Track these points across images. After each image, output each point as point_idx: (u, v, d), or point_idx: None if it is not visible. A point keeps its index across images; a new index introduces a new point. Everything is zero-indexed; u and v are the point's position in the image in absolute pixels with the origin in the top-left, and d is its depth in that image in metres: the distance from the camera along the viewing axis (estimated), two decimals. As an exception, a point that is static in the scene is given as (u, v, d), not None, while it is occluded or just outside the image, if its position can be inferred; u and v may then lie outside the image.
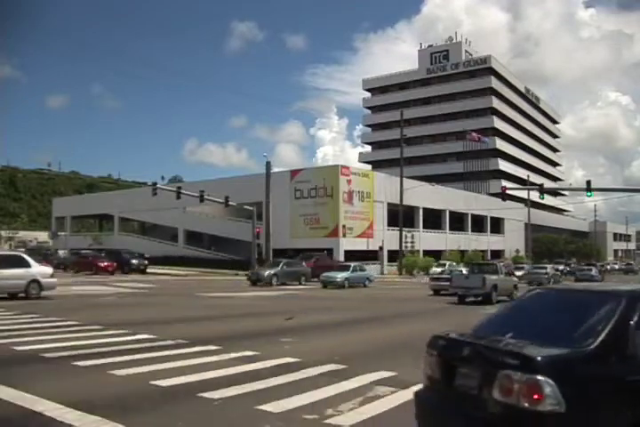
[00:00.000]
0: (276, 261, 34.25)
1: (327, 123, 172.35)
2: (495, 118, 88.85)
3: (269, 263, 33.92)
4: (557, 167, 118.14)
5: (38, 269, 18.55)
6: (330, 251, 45.16)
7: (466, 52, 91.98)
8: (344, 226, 45.62)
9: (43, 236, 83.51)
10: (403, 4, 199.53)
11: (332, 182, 45.77)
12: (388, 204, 49.86)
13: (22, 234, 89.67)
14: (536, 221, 71.54)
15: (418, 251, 52.48)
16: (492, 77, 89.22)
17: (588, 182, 29.44)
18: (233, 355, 8.62)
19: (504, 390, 3.38)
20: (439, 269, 37.89)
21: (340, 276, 30.32)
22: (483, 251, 64.43)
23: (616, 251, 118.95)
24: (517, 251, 66.49)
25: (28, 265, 18.11)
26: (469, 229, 64.25)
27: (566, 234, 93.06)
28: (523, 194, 63.37)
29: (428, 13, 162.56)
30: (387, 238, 48.72)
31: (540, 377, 3.27)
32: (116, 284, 27.59)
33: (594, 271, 41.04)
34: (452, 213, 60.29)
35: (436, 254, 53.77)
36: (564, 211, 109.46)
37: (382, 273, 46.59)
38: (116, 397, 5.94)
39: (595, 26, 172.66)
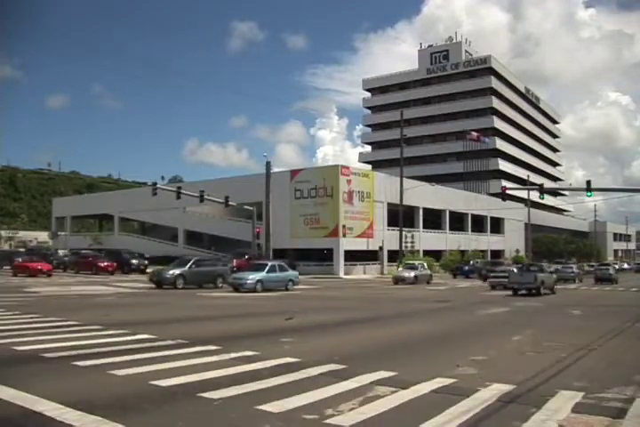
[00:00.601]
0: (185, 259, 28.82)
1: (327, 123, 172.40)
2: (495, 118, 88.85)
3: (177, 262, 28.26)
4: (557, 167, 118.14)
5: None
6: (330, 251, 45.21)
7: (466, 52, 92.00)
8: (344, 226, 45.61)
9: (43, 236, 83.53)
10: (403, 4, 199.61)
11: (332, 182, 45.77)
12: (388, 204, 49.86)
13: (22, 234, 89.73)
14: (536, 221, 71.56)
15: (418, 251, 52.48)
16: (492, 77, 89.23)
17: (588, 182, 29.42)
18: (233, 355, 8.62)
19: None
20: (406, 273, 35.55)
21: (250, 277, 24.97)
22: (483, 251, 64.46)
23: (616, 251, 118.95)
24: (517, 251, 66.48)
25: None
26: (469, 229, 64.24)
27: (566, 234, 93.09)
28: (523, 194, 63.38)
29: (428, 13, 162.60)
30: (387, 238, 48.72)
31: None
32: (116, 284, 27.60)
33: (611, 270, 43.92)
34: (452, 213, 60.29)
35: (436, 254, 53.82)
36: (564, 211, 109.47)
37: (382, 273, 46.60)
38: (116, 397, 5.94)
39: (595, 26, 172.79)
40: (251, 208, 42.67)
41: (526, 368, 7.93)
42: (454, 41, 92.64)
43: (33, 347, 8.85)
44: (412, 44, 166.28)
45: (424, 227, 56.03)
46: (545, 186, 39.49)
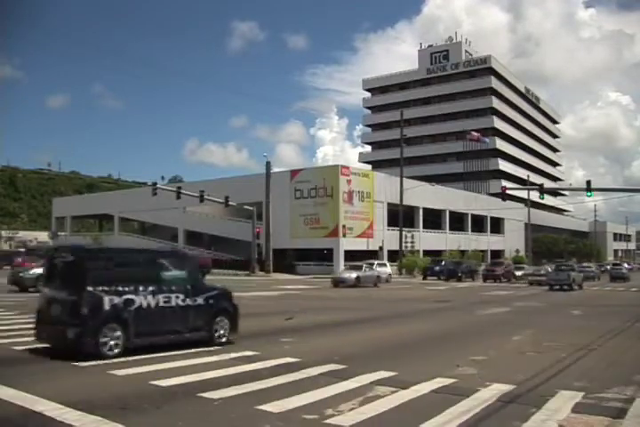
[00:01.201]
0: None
1: (327, 123, 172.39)
2: (495, 118, 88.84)
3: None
4: (557, 167, 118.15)
5: None
6: (330, 251, 45.21)
7: (466, 52, 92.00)
8: (344, 226, 45.60)
9: (43, 236, 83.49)
10: (403, 4, 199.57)
11: (331, 182, 45.77)
12: (388, 204, 49.85)
13: (22, 234, 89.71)
14: (536, 221, 71.56)
15: (418, 251, 52.47)
16: (492, 77, 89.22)
17: (588, 182, 29.41)
18: (233, 355, 8.62)
19: None
20: (347, 274, 32.17)
21: None
22: (482, 251, 64.46)
23: (616, 251, 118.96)
24: (517, 251, 66.49)
25: None
26: (469, 229, 64.24)
27: (566, 234, 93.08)
28: (523, 194, 63.40)
29: (428, 13, 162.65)
30: (387, 238, 48.72)
31: None
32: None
33: (624, 269, 47.64)
34: (452, 213, 60.29)
35: (436, 254, 53.77)
36: (564, 211, 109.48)
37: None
38: (116, 397, 5.94)
39: (595, 26, 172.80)
40: (251, 208, 42.69)
41: (526, 368, 7.93)
42: (454, 41, 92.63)
43: (33, 347, 8.84)
44: (412, 44, 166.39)
45: (424, 227, 56.03)
46: (545, 186, 39.50)
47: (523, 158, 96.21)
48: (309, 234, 46.05)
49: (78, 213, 71.34)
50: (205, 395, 6.05)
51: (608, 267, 56.84)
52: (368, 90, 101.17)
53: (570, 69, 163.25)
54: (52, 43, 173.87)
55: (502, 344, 10.59)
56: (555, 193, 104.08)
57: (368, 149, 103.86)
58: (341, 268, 43.99)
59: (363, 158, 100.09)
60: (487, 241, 67.87)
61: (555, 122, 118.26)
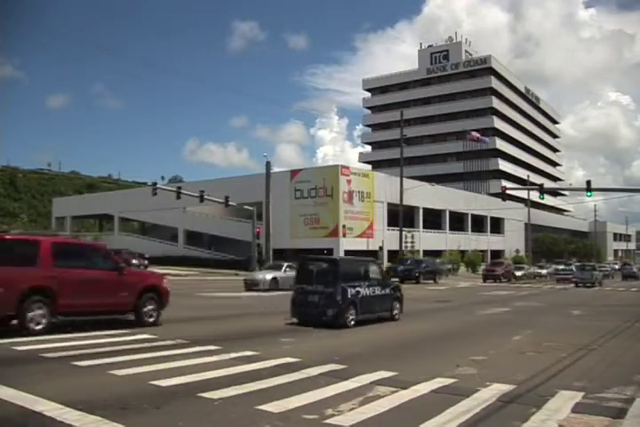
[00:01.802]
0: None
1: (327, 123, 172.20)
2: (495, 118, 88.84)
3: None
4: (557, 167, 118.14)
5: None
6: (330, 251, 45.19)
7: (466, 52, 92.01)
8: (344, 226, 45.59)
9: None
10: (403, 3, 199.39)
11: (331, 182, 45.77)
12: (388, 204, 49.85)
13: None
14: (536, 221, 71.57)
15: (418, 251, 52.46)
16: (492, 77, 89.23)
17: (588, 182, 29.41)
18: (233, 355, 8.62)
19: None
20: (261, 275, 28.00)
21: None
22: (483, 251, 64.45)
23: (616, 251, 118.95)
24: (517, 251, 66.49)
25: None
26: (469, 229, 64.23)
27: (566, 234, 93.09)
28: (523, 194, 63.40)
29: (428, 13, 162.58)
30: (387, 238, 48.71)
31: None
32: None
33: (634, 268, 52.93)
34: (452, 213, 60.28)
35: (436, 254, 53.76)
36: (564, 211, 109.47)
37: (382, 273, 46.54)
38: (116, 397, 5.94)
39: (596, 26, 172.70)
40: (251, 208, 42.68)
41: (526, 368, 7.93)
42: (454, 41, 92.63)
43: (33, 347, 8.84)
44: (412, 44, 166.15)
45: (424, 227, 56.02)
46: (545, 186, 39.51)
47: (523, 158, 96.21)
48: (309, 234, 46.05)
49: (78, 213, 71.35)
50: (205, 395, 6.05)
51: (616, 266, 63.80)
52: (368, 90, 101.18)
53: (570, 69, 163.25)
54: (52, 43, 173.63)
55: (502, 344, 10.60)
56: (555, 193, 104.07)
57: (368, 149, 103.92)
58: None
59: (363, 158, 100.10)
60: (487, 241, 67.86)
61: (555, 122, 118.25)
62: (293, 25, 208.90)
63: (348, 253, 45.07)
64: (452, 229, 60.79)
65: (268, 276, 26.56)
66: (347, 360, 8.31)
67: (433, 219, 57.83)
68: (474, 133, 76.88)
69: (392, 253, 48.67)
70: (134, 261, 40.64)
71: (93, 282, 11.12)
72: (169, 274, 40.37)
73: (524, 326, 13.50)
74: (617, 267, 66.09)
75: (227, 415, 5.38)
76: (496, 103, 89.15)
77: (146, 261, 41.54)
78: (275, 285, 25.74)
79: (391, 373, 7.41)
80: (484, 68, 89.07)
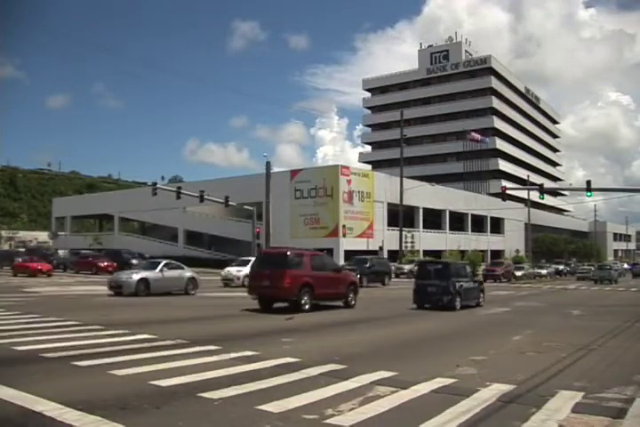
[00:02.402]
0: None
1: (327, 123, 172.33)
2: (495, 118, 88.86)
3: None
4: (557, 167, 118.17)
5: None
6: (330, 251, 45.17)
7: (466, 52, 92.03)
8: (344, 226, 45.61)
9: (43, 236, 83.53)
10: (403, 4, 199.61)
11: (331, 182, 45.78)
12: (388, 204, 49.86)
13: (22, 234, 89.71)
14: (536, 221, 71.56)
15: (418, 251, 52.48)
16: (492, 77, 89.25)
17: (588, 182, 29.39)
18: (233, 355, 8.62)
19: None
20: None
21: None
22: (482, 251, 64.45)
23: (616, 251, 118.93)
24: (517, 251, 66.48)
25: None
26: (469, 229, 64.24)
27: (566, 234, 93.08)
28: (523, 194, 63.39)
29: (428, 13, 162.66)
30: (387, 238, 48.73)
31: None
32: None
33: None
34: (452, 213, 60.29)
35: (436, 254, 53.75)
36: (564, 211, 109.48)
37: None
38: (116, 397, 5.93)
39: (596, 26, 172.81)
40: (251, 208, 42.68)
41: (526, 368, 7.93)
42: (454, 41, 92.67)
43: (33, 347, 8.84)
44: (412, 44, 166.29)
45: (424, 227, 56.03)
46: (545, 186, 39.50)
47: (523, 158, 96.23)
48: (309, 234, 46.06)
49: (78, 213, 71.35)
50: (205, 395, 6.05)
51: (625, 266, 70.24)
52: (368, 90, 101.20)
53: (570, 69, 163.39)
54: (52, 43, 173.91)
55: (502, 344, 10.60)
56: (555, 193, 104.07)
57: (368, 149, 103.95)
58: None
59: (363, 158, 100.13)
60: (487, 241, 67.86)
61: (555, 122, 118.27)
62: (294, 25, 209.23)
63: (347, 253, 45.11)
64: (452, 229, 60.80)
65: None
66: (347, 360, 8.31)
67: (433, 219, 57.84)
68: (474, 133, 76.88)
69: (392, 253, 48.68)
70: (134, 262, 40.67)
71: (328, 279, 17.24)
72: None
73: (524, 326, 13.50)
74: (627, 266, 71.30)
75: (227, 415, 5.38)
76: (496, 103, 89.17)
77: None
78: (144, 288, 20.59)
79: (391, 373, 7.41)
80: (483, 68, 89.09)
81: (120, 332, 10.93)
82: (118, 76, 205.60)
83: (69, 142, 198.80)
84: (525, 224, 66.87)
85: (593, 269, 47.80)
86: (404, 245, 48.08)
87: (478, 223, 66.62)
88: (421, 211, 55.31)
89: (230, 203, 41.20)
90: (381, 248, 48.18)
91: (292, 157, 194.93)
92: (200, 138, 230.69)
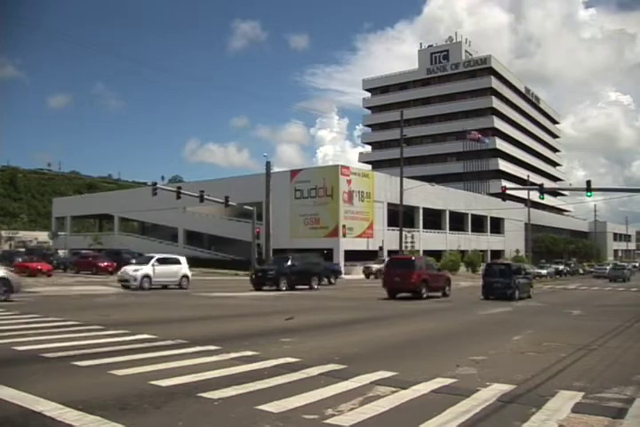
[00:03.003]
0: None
1: (327, 123, 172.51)
2: (495, 118, 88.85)
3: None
4: (558, 167, 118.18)
5: None
6: (330, 251, 45.18)
7: (466, 52, 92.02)
8: (344, 226, 45.61)
9: (43, 236, 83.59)
10: (403, 4, 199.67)
11: (332, 182, 45.78)
12: (388, 204, 49.86)
13: (22, 234, 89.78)
14: (536, 221, 71.59)
15: (418, 251, 52.46)
16: (492, 77, 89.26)
17: (588, 182, 29.39)
18: (233, 355, 8.61)
19: None
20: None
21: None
22: (483, 251, 64.48)
23: (616, 251, 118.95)
24: (517, 251, 66.50)
25: None
26: (469, 229, 64.24)
27: (566, 234, 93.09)
28: (523, 194, 63.41)
29: (429, 13, 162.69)
30: (387, 238, 48.73)
31: None
32: (116, 284, 27.58)
33: None
34: (452, 213, 60.29)
35: (436, 254, 53.76)
36: (564, 211, 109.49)
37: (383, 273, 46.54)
38: (116, 397, 5.93)
39: (597, 26, 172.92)
40: (251, 208, 42.68)
41: (526, 368, 7.93)
42: (454, 41, 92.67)
43: (33, 347, 8.84)
44: (412, 44, 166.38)
45: (424, 227, 56.04)
46: (545, 186, 39.50)
47: (523, 158, 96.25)
48: (309, 234, 46.06)
49: (78, 213, 71.36)
50: (205, 395, 6.05)
51: (637, 264, 76.05)
52: (368, 90, 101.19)
53: (571, 69, 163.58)
54: (52, 43, 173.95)
55: (502, 344, 10.59)
56: (555, 193, 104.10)
57: (368, 148, 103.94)
58: (341, 268, 43.21)
59: (363, 158, 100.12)
60: (487, 241, 67.87)
61: (555, 122, 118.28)
62: (294, 25, 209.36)
63: (348, 253, 45.13)
64: (452, 229, 60.80)
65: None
66: (347, 360, 8.31)
67: (433, 219, 57.85)
68: (474, 133, 76.88)
69: (392, 254, 48.68)
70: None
71: (434, 276, 24.26)
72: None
73: (524, 326, 13.50)
74: (637, 265, 76.78)
75: (227, 415, 5.38)
76: (496, 103, 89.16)
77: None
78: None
79: (391, 373, 7.40)
80: (483, 68, 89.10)
81: (120, 332, 10.93)
82: (118, 76, 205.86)
83: (69, 142, 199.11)
84: (525, 224, 66.88)
85: (608, 269, 53.61)
86: (403, 245, 48.07)
87: (478, 223, 66.63)
88: (421, 211, 55.31)
89: (230, 203, 41.20)
90: (381, 248, 48.19)
91: (292, 157, 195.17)
92: (200, 138, 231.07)
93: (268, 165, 43.53)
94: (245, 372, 7.34)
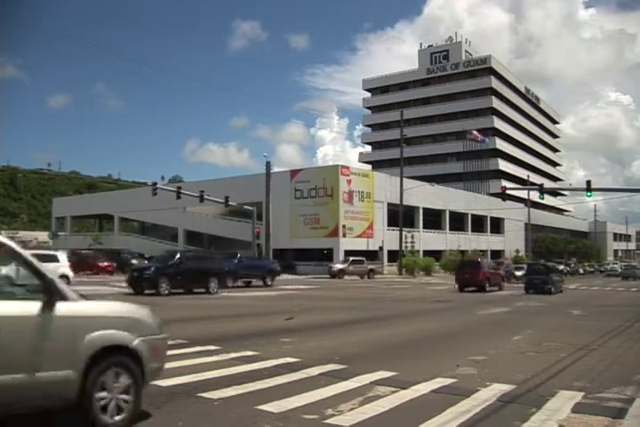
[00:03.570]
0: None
1: (327, 123, 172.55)
2: (495, 118, 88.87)
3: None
4: (558, 167, 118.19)
5: None
6: (330, 251, 45.19)
7: (466, 52, 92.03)
8: (344, 226, 45.61)
9: (43, 236, 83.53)
10: (403, 4, 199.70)
11: (332, 182, 45.78)
12: (388, 204, 49.86)
13: (22, 234, 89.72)
14: (536, 221, 71.62)
15: (418, 251, 52.49)
16: (492, 77, 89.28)
17: (588, 182, 29.41)
18: (233, 355, 8.61)
19: None
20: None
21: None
22: (483, 251, 64.49)
23: (616, 251, 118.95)
24: (517, 251, 66.52)
25: None
26: (469, 229, 64.25)
27: (566, 234, 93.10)
28: (523, 194, 63.46)
29: (429, 14, 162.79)
30: (387, 238, 48.73)
31: None
32: (116, 284, 27.58)
33: None
34: (452, 213, 60.30)
35: (436, 254, 53.77)
36: (564, 211, 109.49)
37: (382, 273, 46.61)
38: (116, 397, 5.92)
39: (597, 26, 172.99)
40: (251, 208, 42.68)
41: (526, 368, 7.93)
42: (454, 41, 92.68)
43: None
44: (412, 44, 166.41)
45: (424, 227, 56.04)
46: (545, 186, 39.51)
47: (523, 158, 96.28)
48: (309, 234, 46.07)
49: (78, 213, 71.36)
50: (205, 395, 6.05)
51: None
52: (368, 90, 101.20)
53: (571, 69, 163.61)
54: (52, 43, 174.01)
55: (502, 344, 10.59)
56: (555, 193, 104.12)
57: (368, 148, 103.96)
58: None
59: (363, 158, 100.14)
60: (487, 241, 67.88)
61: (555, 122, 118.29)
62: (294, 25, 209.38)
63: (348, 253, 45.11)
64: (452, 229, 60.81)
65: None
66: (347, 360, 8.30)
67: (433, 219, 57.86)
68: (475, 133, 76.90)
69: (392, 253, 48.71)
70: (134, 262, 40.68)
71: (493, 274, 29.93)
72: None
73: (524, 326, 13.49)
74: None
75: (227, 415, 5.38)
76: (496, 103, 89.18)
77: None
78: None
79: (391, 373, 7.40)
80: (483, 68, 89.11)
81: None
82: (118, 76, 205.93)
83: (69, 142, 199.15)
84: (525, 224, 66.92)
85: (620, 268, 59.30)
86: (403, 245, 48.08)
87: (478, 223, 66.63)
88: (421, 211, 55.31)
89: (230, 203, 41.21)
90: (381, 248, 48.20)
91: (293, 157, 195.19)
92: (200, 138, 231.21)
93: (268, 165, 43.56)
94: (245, 372, 7.34)
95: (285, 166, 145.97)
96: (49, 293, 4.24)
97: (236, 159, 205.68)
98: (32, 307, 4.13)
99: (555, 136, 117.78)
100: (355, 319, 14.68)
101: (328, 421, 5.22)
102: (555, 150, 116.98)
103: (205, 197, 40.60)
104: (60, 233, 66.48)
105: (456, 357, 8.88)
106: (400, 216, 47.57)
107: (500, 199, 66.65)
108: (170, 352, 8.67)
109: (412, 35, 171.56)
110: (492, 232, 69.62)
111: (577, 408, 5.77)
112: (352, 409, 5.62)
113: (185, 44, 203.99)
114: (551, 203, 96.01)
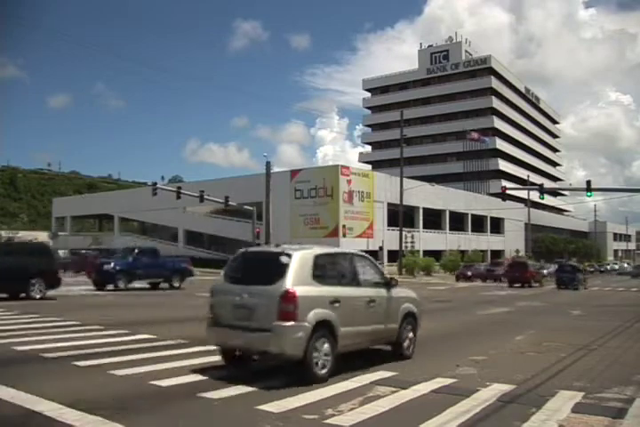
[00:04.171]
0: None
1: (327, 123, 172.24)
2: (495, 118, 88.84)
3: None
4: (558, 167, 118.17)
5: None
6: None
7: (466, 52, 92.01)
8: (344, 226, 45.60)
9: (43, 236, 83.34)
10: (403, 4, 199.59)
11: (332, 182, 45.78)
12: (388, 204, 49.85)
13: (22, 234, 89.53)
14: (536, 221, 71.58)
15: (418, 251, 52.47)
16: (492, 77, 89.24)
17: (588, 182, 29.37)
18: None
19: None
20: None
21: None
22: (483, 251, 64.47)
23: (616, 251, 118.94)
24: (517, 251, 66.49)
25: None
26: (469, 229, 64.24)
27: (566, 234, 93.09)
28: (523, 194, 63.41)
29: (429, 13, 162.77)
30: (387, 238, 48.71)
31: None
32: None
33: None
34: (452, 213, 60.29)
35: (436, 254, 53.76)
36: (564, 211, 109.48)
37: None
38: (116, 397, 5.94)
39: (597, 26, 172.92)
40: (251, 208, 42.67)
41: (526, 368, 7.93)
42: (454, 41, 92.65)
43: (33, 347, 8.84)
44: (412, 44, 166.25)
45: (424, 227, 56.03)
46: (545, 186, 39.48)
47: (523, 158, 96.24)
48: (309, 234, 46.04)
49: (78, 213, 71.37)
50: (205, 395, 6.05)
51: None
52: (368, 90, 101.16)
53: (571, 70, 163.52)
54: (52, 43, 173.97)
55: (502, 344, 10.59)
56: (555, 193, 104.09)
57: (368, 148, 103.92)
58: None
59: (363, 158, 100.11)
60: (487, 241, 67.88)
61: (555, 122, 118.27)
62: (294, 25, 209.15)
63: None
64: (451, 229, 60.80)
65: None
66: (347, 360, 8.31)
67: (433, 219, 57.85)
68: (474, 133, 76.90)
69: (392, 254, 48.69)
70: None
71: (536, 273, 36.44)
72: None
73: (524, 326, 13.49)
74: None
75: (227, 415, 5.39)
76: (496, 103, 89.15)
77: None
78: None
79: (391, 373, 7.41)
80: (483, 68, 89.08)
81: (120, 332, 10.93)
82: (118, 76, 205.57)
83: (69, 142, 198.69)
84: (525, 224, 66.89)
85: (631, 268, 64.77)
86: (403, 245, 48.07)
87: (478, 223, 66.63)
88: (421, 211, 55.30)
89: (230, 203, 41.18)
90: (381, 248, 48.17)
91: (293, 157, 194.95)
92: (200, 138, 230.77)
93: (268, 165, 43.52)
94: (245, 372, 7.34)
95: (285, 166, 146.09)
96: (389, 284, 8.43)
97: (236, 159, 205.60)
98: (383, 290, 8.26)
99: (555, 136, 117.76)
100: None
101: (328, 421, 5.22)
102: (555, 150, 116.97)
103: (205, 197, 40.56)
104: (60, 233, 66.44)
105: (456, 357, 8.88)
106: (400, 216, 47.55)
107: (500, 199, 66.64)
108: (170, 352, 8.74)
109: (412, 35, 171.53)
110: (492, 232, 69.61)
111: (577, 408, 5.77)
112: (352, 409, 5.62)
113: (185, 44, 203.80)
114: (551, 203, 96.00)
